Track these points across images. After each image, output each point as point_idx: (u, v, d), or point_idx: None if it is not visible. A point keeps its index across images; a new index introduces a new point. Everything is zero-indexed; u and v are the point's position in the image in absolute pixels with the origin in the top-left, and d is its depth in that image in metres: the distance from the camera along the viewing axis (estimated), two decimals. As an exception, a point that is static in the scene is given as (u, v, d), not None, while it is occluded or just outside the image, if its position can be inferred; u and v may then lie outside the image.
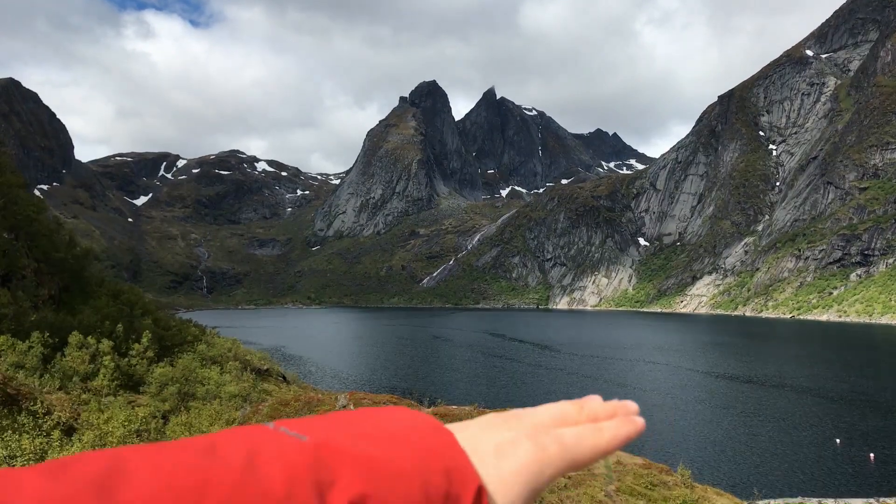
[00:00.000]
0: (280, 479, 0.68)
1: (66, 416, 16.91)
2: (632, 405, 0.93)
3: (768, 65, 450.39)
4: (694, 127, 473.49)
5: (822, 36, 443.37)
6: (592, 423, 0.89)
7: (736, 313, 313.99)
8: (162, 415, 28.12)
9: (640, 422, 0.91)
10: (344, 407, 32.46)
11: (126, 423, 14.77)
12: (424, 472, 0.73)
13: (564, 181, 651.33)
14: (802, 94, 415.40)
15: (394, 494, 0.71)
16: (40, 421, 13.53)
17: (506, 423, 0.87)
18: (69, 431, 16.06)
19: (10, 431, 12.25)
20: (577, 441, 0.85)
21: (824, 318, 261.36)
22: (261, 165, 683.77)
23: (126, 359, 37.74)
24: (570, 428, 0.87)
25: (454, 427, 0.82)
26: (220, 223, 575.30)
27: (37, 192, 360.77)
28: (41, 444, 11.95)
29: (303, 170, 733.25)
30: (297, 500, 0.67)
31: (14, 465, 11.25)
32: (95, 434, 13.25)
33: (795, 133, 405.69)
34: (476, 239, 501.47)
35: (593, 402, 0.93)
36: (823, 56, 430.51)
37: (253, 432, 0.74)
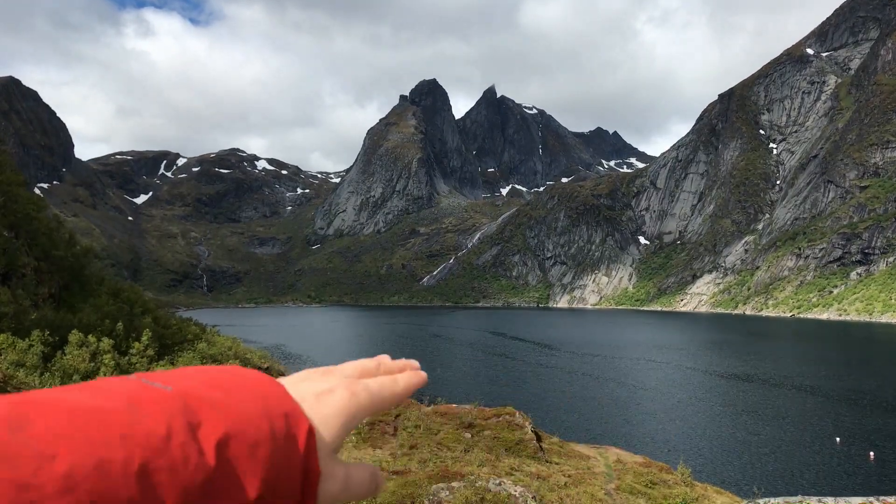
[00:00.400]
0: (161, 420, 0.80)
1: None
2: (415, 363, 1.18)
3: (769, 63, 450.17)
4: (694, 125, 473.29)
5: (823, 34, 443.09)
6: (389, 376, 1.11)
7: (736, 312, 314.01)
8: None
9: (423, 374, 1.16)
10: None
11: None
12: (269, 415, 0.89)
13: (565, 179, 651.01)
14: (803, 92, 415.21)
15: (250, 433, 0.86)
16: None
17: (322, 376, 1.04)
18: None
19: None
20: (380, 389, 1.06)
21: (824, 316, 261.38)
22: (261, 164, 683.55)
23: (126, 357, 37.75)
24: (374, 378, 1.09)
25: (281, 380, 1.00)
26: (221, 222, 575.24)
27: (37, 191, 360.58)
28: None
29: (303, 168, 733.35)
30: (177, 438, 0.80)
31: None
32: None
33: (796, 131, 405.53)
34: (476, 237, 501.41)
35: (386, 359, 1.15)
36: (824, 54, 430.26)
37: (125, 382, 0.85)
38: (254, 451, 0.85)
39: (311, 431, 0.92)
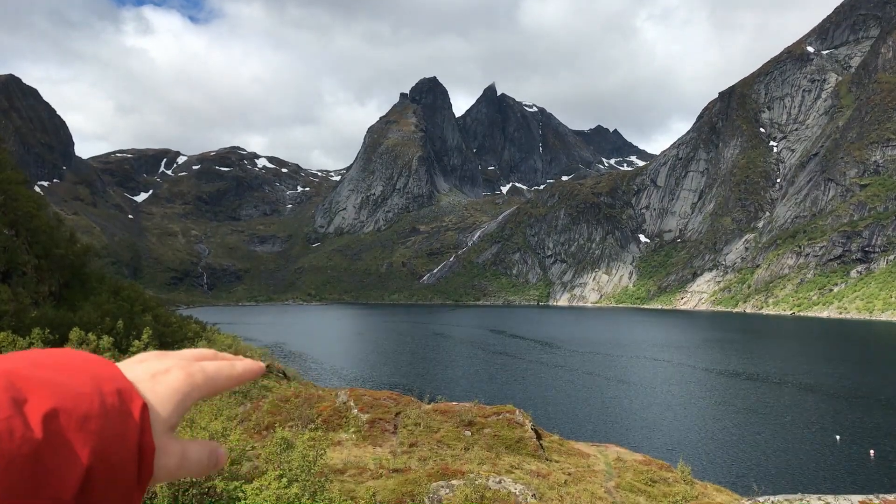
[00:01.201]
0: None
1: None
2: (262, 364, 1.24)
3: (769, 61, 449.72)
4: (695, 123, 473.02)
5: (824, 32, 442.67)
6: (227, 360, 1.17)
7: (736, 310, 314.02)
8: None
9: (262, 364, 1.24)
10: (344, 403, 32.46)
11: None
12: (101, 392, 0.92)
13: (565, 178, 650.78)
14: (803, 90, 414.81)
15: (80, 408, 0.88)
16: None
17: (158, 358, 1.09)
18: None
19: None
20: (217, 371, 1.12)
21: (825, 314, 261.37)
22: (261, 162, 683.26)
23: (126, 355, 37.76)
24: (211, 361, 1.14)
25: (118, 363, 1.03)
26: (221, 220, 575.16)
27: (37, 189, 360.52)
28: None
29: (303, 166, 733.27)
30: (0, 412, 0.80)
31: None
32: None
33: (796, 130, 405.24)
34: (476, 236, 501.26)
35: (223, 354, 1.19)
36: (824, 52, 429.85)
37: None
38: (84, 424, 0.87)
39: (144, 408, 0.95)
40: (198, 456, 1.05)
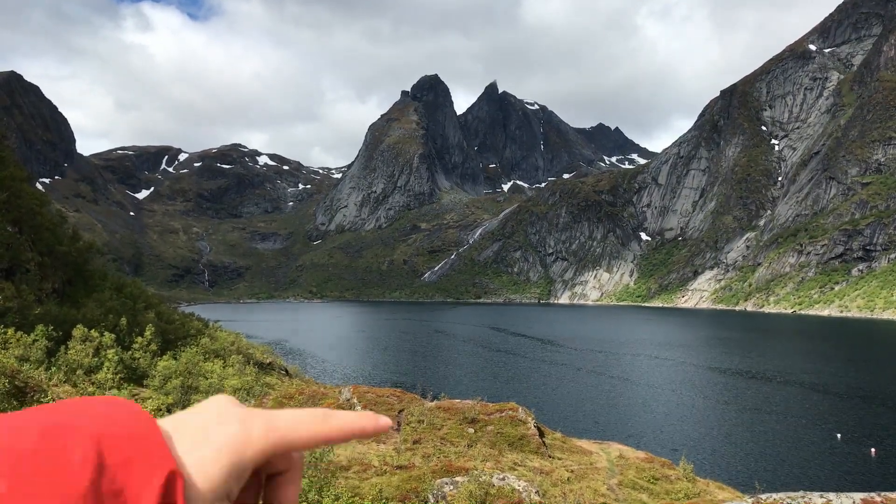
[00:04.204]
0: None
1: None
2: (383, 418, 0.90)
3: (771, 59, 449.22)
4: (696, 121, 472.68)
5: (825, 30, 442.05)
6: (320, 410, 0.89)
7: (737, 308, 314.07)
8: (166, 408, 28.27)
9: (383, 421, 0.90)
10: (348, 401, 32.57)
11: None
12: (96, 465, 0.68)
13: (566, 176, 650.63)
14: (805, 88, 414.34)
15: (47, 494, 0.64)
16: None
17: (222, 406, 0.85)
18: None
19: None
20: (293, 424, 0.84)
21: (826, 313, 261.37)
22: (262, 159, 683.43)
23: (129, 352, 37.89)
24: (288, 410, 0.87)
25: (170, 417, 0.81)
26: (222, 217, 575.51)
27: (39, 186, 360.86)
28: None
29: (304, 164, 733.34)
30: None
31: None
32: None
33: (798, 128, 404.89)
34: (477, 233, 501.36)
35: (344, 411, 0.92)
36: (826, 51, 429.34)
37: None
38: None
39: (173, 477, 0.72)
40: None
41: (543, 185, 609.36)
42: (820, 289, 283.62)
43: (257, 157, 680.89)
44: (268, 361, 58.57)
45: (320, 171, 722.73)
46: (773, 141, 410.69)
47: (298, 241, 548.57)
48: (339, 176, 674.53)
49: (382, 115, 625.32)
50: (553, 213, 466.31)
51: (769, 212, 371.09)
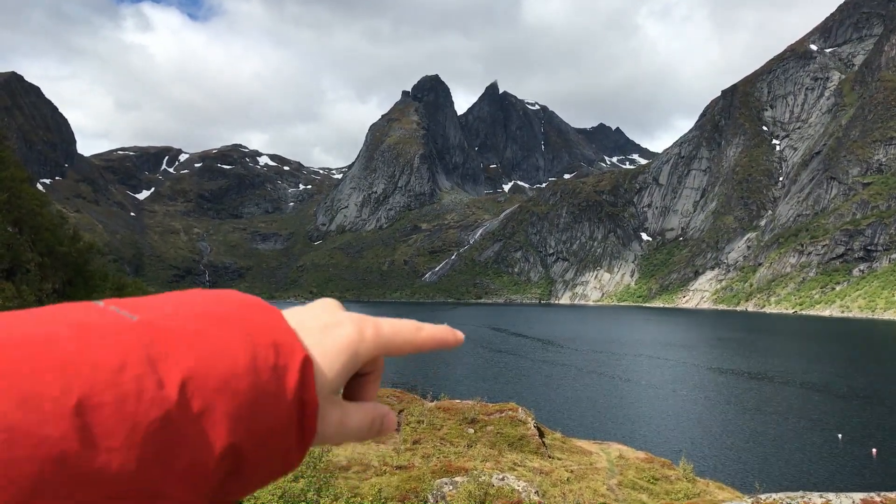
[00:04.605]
0: (114, 350, 0.69)
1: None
2: (458, 332, 1.05)
3: (772, 59, 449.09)
4: (697, 121, 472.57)
5: (827, 30, 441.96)
6: (413, 322, 1.02)
7: (738, 309, 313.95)
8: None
9: (460, 334, 1.05)
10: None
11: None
12: (252, 346, 0.78)
13: (567, 176, 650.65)
14: (806, 88, 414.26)
15: (223, 366, 0.74)
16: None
17: (332, 309, 0.95)
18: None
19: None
20: (394, 332, 0.97)
21: (827, 313, 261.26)
22: (263, 160, 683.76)
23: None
24: (390, 320, 1.00)
25: (285, 311, 0.89)
26: (223, 217, 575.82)
27: (40, 187, 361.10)
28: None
29: (304, 164, 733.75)
30: (131, 370, 0.69)
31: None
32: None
33: (799, 128, 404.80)
34: (478, 234, 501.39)
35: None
36: (827, 50, 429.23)
37: (84, 308, 0.74)
38: (228, 384, 0.75)
39: (307, 361, 0.82)
40: (360, 421, 0.92)
41: (544, 185, 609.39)
42: (821, 289, 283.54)
43: (258, 158, 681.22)
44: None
45: (321, 172, 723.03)
46: (774, 141, 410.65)
47: (299, 241, 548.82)
48: (339, 176, 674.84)
49: (383, 116, 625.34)
50: (554, 213, 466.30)
51: (770, 212, 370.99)
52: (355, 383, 0.97)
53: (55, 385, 0.64)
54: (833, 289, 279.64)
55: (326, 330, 0.89)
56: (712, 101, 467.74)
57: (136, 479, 0.66)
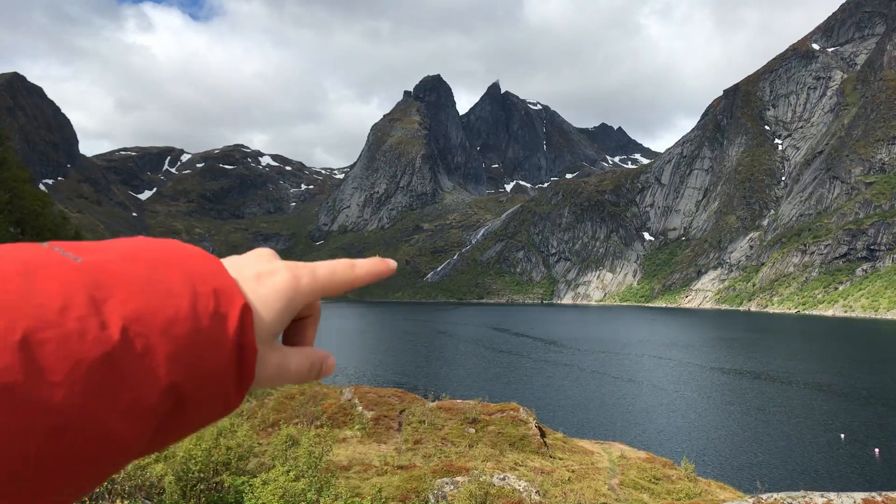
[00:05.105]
0: (58, 290, 0.72)
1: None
2: (391, 261, 1.08)
3: (774, 59, 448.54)
4: (699, 121, 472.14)
5: (829, 30, 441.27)
6: (347, 261, 1.03)
7: (741, 309, 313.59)
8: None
9: (392, 263, 1.08)
10: (349, 401, 32.59)
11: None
12: (193, 292, 0.82)
13: (569, 176, 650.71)
14: (808, 88, 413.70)
15: (165, 311, 0.78)
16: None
17: (267, 258, 0.98)
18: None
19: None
20: (330, 274, 1.00)
21: (829, 313, 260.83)
22: (265, 160, 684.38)
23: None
24: (325, 262, 1.02)
25: (223, 259, 0.92)
26: (225, 217, 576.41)
27: (42, 187, 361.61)
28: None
29: (306, 164, 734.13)
30: (74, 311, 0.72)
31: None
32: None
33: (801, 127, 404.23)
34: (480, 233, 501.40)
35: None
36: (830, 50, 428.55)
37: (30, 249, 0.76)
38: (170, 327, 0.78)
39: (246, 308, 0.86)
40: (299, 364, 0.96)
41: (546, 185, 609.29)
42: (824, 289, 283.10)
43: (260, 158, 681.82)
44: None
45: (323, 172, 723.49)
46: (777, 140, 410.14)
47: (301, 241, 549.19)
48: (341, 176, 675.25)
49: (385, 116, 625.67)
50: (556, 213, 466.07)
51: (773, 211, 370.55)
52: (294, 328, 1.02)
53: (0, 321, 0.66)
54: (836, 288, 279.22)
55: (263, 278, 0.93)
56: (714, 101, 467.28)
57: (80, 412, 0.69)
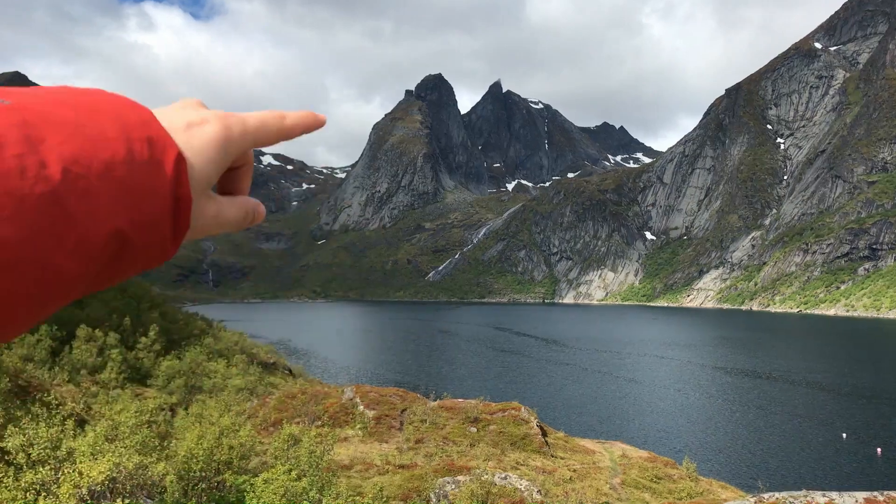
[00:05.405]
0: None
1: (78, 407, 17.14)
2: (320, 115, 1.11)
3: (776, 57, 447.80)
4: (701, 120, 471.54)
5: (831, 28, 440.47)
6: (276, 112, 1.05)
7: (743, 308, 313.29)
8: (169, 407, 28.34)
9: (321, 116, 1.11)
10: (350, 400, 32.62)
11: (137, 414, 14.97)
12: (128, 139, 0.82)
13: (571, 175, 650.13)
14: (811, 86, 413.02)
15: (102, 155, 0.78)
16: (54, 411, 13.73)
17: (194, 107, 0.98)
18: (80, 423, 16.26)
19: (25, 420, 12.45)
20: (260, 123, 1.01)
21: (831, 312, 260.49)
22: (266, 159, 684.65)
23: (133, 352, 38.02)
24: (254, 113, 1.03)
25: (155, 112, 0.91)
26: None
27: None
28: (56, 433, 12.14)
29: (308, 163, 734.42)
30: (10, 149, 0.72)
31: (30, 454, 11.44)
32: (108, 424, 13.43)
33: (803, 126, 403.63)
34: (482, 233, 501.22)
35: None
36: (832, 48, 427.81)
37: None
38: (109, 171, 0.78)
39: (180, 158, 0.87)
40: (235, 213, 0.99)
41: (548, 184, 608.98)
42: (826, 288, 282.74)
43: (261, 157, 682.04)
44: (271, 361, 58.69)
45: (324, 171, 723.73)
46: (779, 139, 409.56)
47: (302, 240, 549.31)
48: (343, 175, 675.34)
49: (386, 115, 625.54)
50: (557, 212, 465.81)
51: (775, 211, 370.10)
52: (227, 178, 1.03)
53: None
54: (838, 288, 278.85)
55: (194, 127, 0.92)
56: (716, 100, 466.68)
57: (30, 248, 0.71)
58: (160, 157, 0.84)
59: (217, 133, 0.94)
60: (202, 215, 0.93)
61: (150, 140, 0.84)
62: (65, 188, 0.74)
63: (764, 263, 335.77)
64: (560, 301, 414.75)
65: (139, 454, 12.43)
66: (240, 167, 1.04)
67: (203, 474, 13.29)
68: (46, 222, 0.72)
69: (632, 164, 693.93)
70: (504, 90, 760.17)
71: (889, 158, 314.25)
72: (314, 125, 1.10)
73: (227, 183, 1.03)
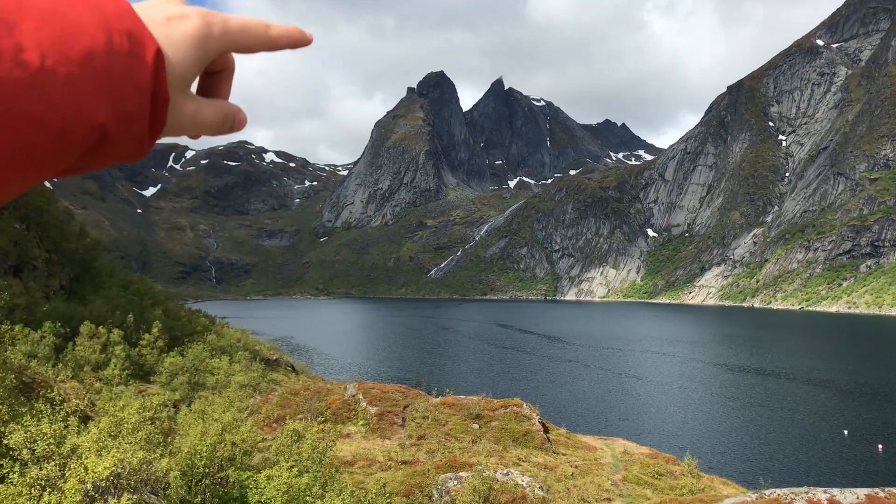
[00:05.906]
0: None
1: (82, 404, 17.23)
2: (309, 32, 1.06)
3: (778, 54, 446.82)
4: (703, 117, 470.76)
5: (833, 25, 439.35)
6: (262, 21, 1.01)
7: (745, 305, 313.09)
8: (172, 404, 28.43)
9: (308, 34, 1.05)
10: (353, 397, 32.69)
11: (141, 411, 15.04)
12: (107, 31, 0.79)
13: (573, 172, 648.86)
14: (813, 84, 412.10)
15: (81, 42, 0.75)
16: (57, 408, 13.81)
17: (176, 1, 0.94)
18: (84, 420, 16.34)
19: (28, 416, 12.53)
20: (244, 27, 0.97)
21: (833, 309, 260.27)
22: (269, 156, 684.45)
23: (136, 348, 38.11)
24: (238, 16, 0.99)
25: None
26: (229, 214, 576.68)
27: (46, 184, 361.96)
28: (59, 429, 12.22)
29: (310, 160, 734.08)
30: None
31: (35, 450, 11.53)
32: (112, 420, 13.51)
33: (805, 123, 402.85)
34: (484, 230, 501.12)
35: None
36: (834, 45, 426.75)
37: None
38: (89, 60, 0.76)
39: (158, 53, 0.84)
40: (213, 115, 0.96)
41: (550, 181, 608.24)
42: (828, 285, 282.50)
43: (263, 155, 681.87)
44: (274, 358, 58.81)
45: (326, 168, 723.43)
46: (781, 136, 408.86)
47: (305, 237, 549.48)
48: (345, 173, 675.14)
49: (388, 112, 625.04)
50: (559, 209, 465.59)
51: (776, 208, 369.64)
52: (209, 81, 1.02)
53: None
54: (840, 285, 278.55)
55: (173, 21, 0.89)
56: (718, 97, 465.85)
57: (11, 135, 0.69)
58: (140, 52, 0.82)
59: (197, 29, 0.90)
60: (180, 113, 0.90)
61: (130, 32, 0.81)
62: (44, 74, 0.72)
63: (766, 260, 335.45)
64: (562, 298, 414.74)
65: (143, 450, 12.51)
66: (220, 71, 1.01)
67: (207, 470, 13.37)
68: (28, 109, 0.70)
69: (634, 162, 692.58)
70: (506, 87, 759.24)
71: (891, 155, 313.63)
72: (300, 41, 1.05)
73: (207, 88, 1.01)
